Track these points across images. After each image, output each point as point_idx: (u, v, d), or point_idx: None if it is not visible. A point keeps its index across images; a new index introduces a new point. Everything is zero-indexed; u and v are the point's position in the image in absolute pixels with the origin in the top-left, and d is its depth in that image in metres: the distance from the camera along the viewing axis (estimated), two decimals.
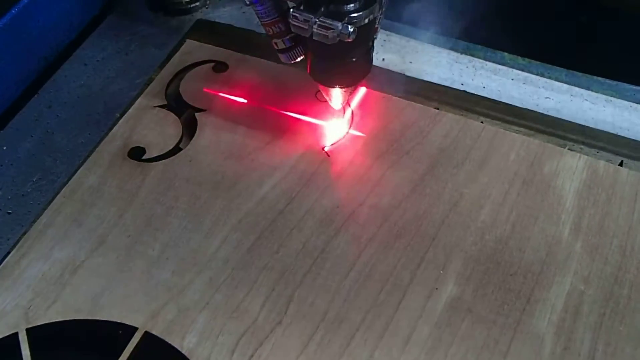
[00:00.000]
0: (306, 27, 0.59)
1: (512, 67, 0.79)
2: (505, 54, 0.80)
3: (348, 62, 0.64)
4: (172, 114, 0.72)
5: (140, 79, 0.77)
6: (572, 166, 0.69)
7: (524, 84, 0.78)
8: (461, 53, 0.80)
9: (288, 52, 0.65)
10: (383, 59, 0.79)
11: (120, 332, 0.58)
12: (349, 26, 0.58)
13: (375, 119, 0.72)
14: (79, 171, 0.68)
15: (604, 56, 0.80)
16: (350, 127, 0.72)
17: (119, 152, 0.69)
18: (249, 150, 0.70)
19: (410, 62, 0.79)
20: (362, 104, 0.74)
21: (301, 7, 0.59)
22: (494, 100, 0.75)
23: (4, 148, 0.72)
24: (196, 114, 0.72)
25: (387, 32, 0.81)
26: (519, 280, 0.62)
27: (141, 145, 0.70)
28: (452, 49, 0.80)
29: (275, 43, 0.65)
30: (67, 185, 0.67)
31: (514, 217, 0.65)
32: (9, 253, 0.63)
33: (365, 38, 0.63)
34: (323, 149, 0.70)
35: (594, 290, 0.61)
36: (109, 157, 0.69)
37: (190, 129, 0.71)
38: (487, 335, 0.59)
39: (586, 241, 0.64)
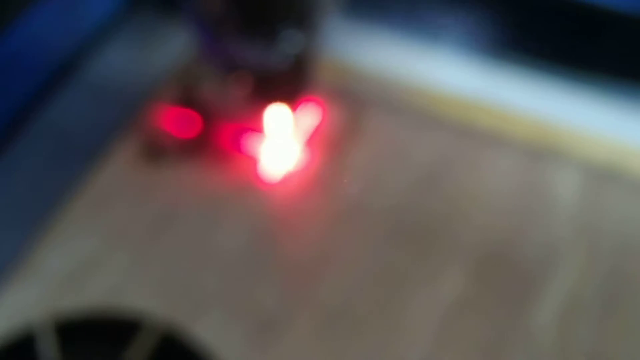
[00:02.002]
0: (240, 56, 0.60)
1: (509, 68, 0.80)
2: (502, 54, 0.81)
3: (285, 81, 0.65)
4: (191, 111, 0.74)
5: (160, 76, 0.79)
6: (571, 166, 0.70)
7: (520, 85, 0.79)
8: (458, 54, 0.81)
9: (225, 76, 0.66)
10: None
11: (139, 321, 0.60)
12: (285, 52, 0.60)
13: (380, 122, 0.74)
14: (99, 166, 0.70)
15: (603, 56, 0.81)
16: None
17: (138, 148, 0.71)
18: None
19: (407, 66, 0.80)
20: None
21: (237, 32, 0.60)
22: (490, 101, 0.76)
23: (24, 142, 0.73)
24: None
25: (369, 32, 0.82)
26: (521, 277, 0.64)
27: (160, 141, 0.72)
28: (450, 50, 0.81)
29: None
30: (87, 179, 0.69)
31: (515, 215, 0.67)
32: (30, 247, 0.64)
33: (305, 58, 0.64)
34: None
35: (594, 287, 0.63)
36: (128, 153, 0.71)
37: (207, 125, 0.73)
38: (490, 331, 0.61)
39: (586, 239, 0.66)
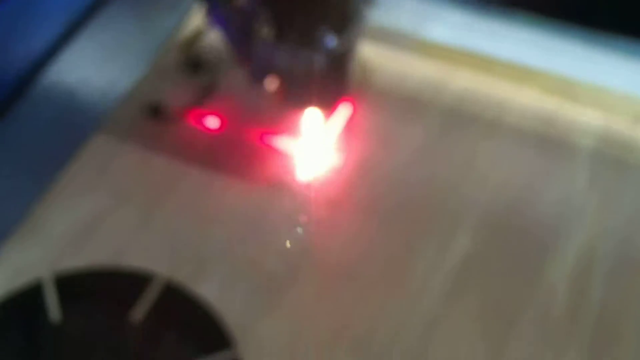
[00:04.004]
0: (271, 56, 0.57)
1: (525, 27, 0.79)
2: (519, 14, 0.80)
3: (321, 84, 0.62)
4: (192, 73, 0.74)
5: (159, 39, 0.78)
6: (587, 124, 0.69)
7: (537, 44, 0.78)
8: (474, 14, 0.80)
9: (256, 77, 0.63)
10: (395, 21, 0.79)
11: (143, 280, 0.59)
12: (319, 55, 0.57)
13: (391, 78, 0.73)
14: (102, 127, 0.70)
15: (619, 14, 0.80)
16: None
17: (140, 110, 0.71)
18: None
19: (423, 24, 0.79)
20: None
21: (268, 32, 0.57)
22: (508, 60, 0.75)
23: (29, 106, 0.74)
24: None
25: None
26: (533, 235, 0.63)
27: (161, 104, 0.71)
28: (465, 10, 0.80)
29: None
30: (90, 140, 0.69)
31: (528, 173, 0.66)
32: (35, 206, 0.64)
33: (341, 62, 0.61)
34: None
35: (606, 245, 0.62)
36: (131, 115, 0.71)
37: (207, 90, 0.73)
38: (500, 289, 0.60)
39: (599, 198, 0.65)
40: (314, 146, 0.68)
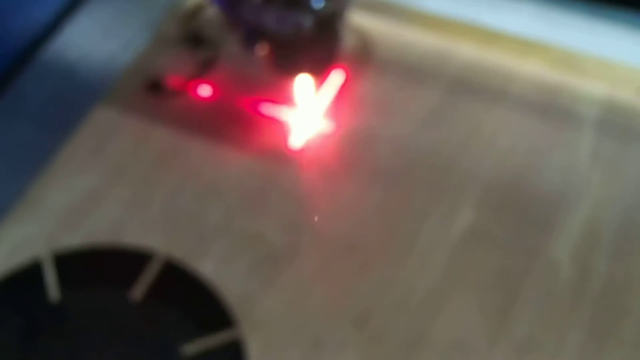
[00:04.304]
0: (259, 19, 0.56)
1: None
2: None
3: (311, 50, 0.61)
4: (191, 49, 0.73)
5: (159, 13, 0.77)
6: (592, 96, 0.69)
7: (542, 17, 0.77)
8: None
9: (247, 43, 0.61)
10: None
11: (142, 258, 0.59)
12: (307, 16, 0.56)
13: (394, 50, 0.72)
14: (99, 104, 0.69)
15: None
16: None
17: (138, 86, 0.70)
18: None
19: None
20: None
21: None
22: (512, 33, 0.74)
23: (29, 81, 0.73)
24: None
25: None
26: (537, 206, 0.62)
27: (161, 78, 0.70)
28: None
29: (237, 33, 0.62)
30: (89, 116, 0.68)
31: (532, 145, 0.66)
32: (32, 184, 0.64)
33: (330, 25, 0.60)
34: None
35: (611, 217, 0.61)
36: (128, 91, 0.70)
37: (208, 64, 0.72)
38: (504, 261, 0.59)
39: (604, 169, 0.64)
40: (308, 114, 0.67)
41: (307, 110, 0.67)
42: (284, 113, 0.67)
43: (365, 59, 0.71)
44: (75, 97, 0.71)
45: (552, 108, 0.68)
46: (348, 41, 0.71)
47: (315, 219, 0.62)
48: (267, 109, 0.68)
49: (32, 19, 0.74)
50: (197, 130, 0.67)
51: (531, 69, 0.70)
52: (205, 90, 0.69)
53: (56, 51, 0.75)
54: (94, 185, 0.63)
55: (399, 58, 0.72)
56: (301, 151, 0.66)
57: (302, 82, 0.66)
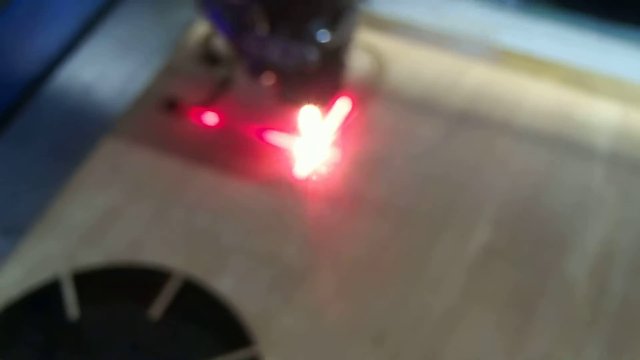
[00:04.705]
0: (264, 51, 0.56)
1: (542, 18, 0.78)
2: (536, 5, 0.79)
3: (317, 81, 0.61)
4: (208, 69, 0.73)
5: (177, 34, 0.78)
6: (605, 115, 0.69)
7: (554, 35, 0.77)
8: (490, 6, 0.79)
9: (253, 73, 0.62)
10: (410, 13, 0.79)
11: (161, 276, 0.59)
12: (312, 50, 0.56)
13: (405, 71, 0.73)
14: (117, 122, 0.70)
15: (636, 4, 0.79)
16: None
17: (155, 105, 0.71)
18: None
19: (439, 16, 0.79)
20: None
21: (261, 26, 0.57)
22: (525, 51, 0.74)
23: (46, 102, 0.73)
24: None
25: None
26: (552, 225, 0.62)
27: (177, 98, 0.71)
28: (481, 2, 0.80)
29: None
30: (107, 135, 0.69)
31: (546, 165, 0.66)
32: (52, 202, 0.64)
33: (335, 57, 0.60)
34: None
35: (626, 236, 0.61)
36: (145, 110, 0.71)
37: (224, 84, 0.72)
38: (520, 279, 0.60)
39: (619, 187, 0.64)
40: (314, 143, 0.68)
41: (313, 140, 0.67)
42: (290, 142, 0.68)
43: (378, 81, 0.72)
44: (92, 118, 0.72)
45: (565, 127, 0.68)
46: (361, 64, 0.72)
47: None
48: (273, 137, 0.68)
49: (50, 41, 0.75)
50: (213, 148, 0.68)
51: (544, 88, 0.71)
52: (211, 118, 0.70)
53: (73, 70, 0.75)
54: (113, 204, 0.64)
55: (410, 80, 0.72)
56: (307, 180, 0.66)
57: (308, 112, 0.66)
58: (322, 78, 0.61)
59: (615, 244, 0.61)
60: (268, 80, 0.62)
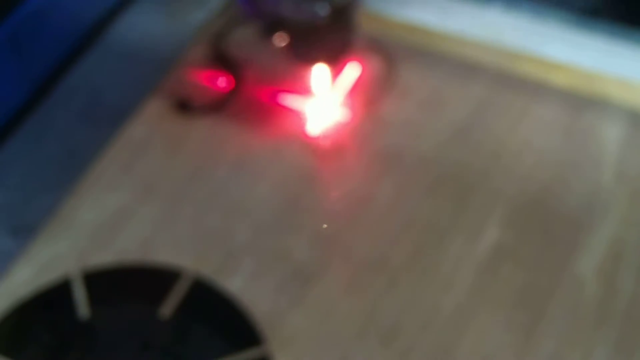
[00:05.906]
0: (277, 9, 0.60)
1: (551, 21, 0.78)
2: (545, 7, 0.79)
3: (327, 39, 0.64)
4: (220, 70, 0.74)
5: (189, 35, 0.78)
6: (614, 116, 0.69)
7: (563, 37, 0.77)
8: (499, 8, 0.80)
9: (266, 34, 0.65)
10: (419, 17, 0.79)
11: (171, 276, 0.60)
12: (323, 6, 0.59)
13: (416, 73, 0.73)
14: (128, 123, 0.70)
15: None
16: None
17: (168, 106, 0.71)
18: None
19: (445, 20, 0.79)
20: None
21: None
22: (533, 53, 0.75)
23: (58, 102, 0.74)
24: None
25: None
26: (562, 224, 0.63)
27: (189, 100, 0.71)
28: (489, 4, 0.80)
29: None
30: (118, 136, 0.69)
31: (556, 164, 0.66)
32: (63, 202, 0.65)
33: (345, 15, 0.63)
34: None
35: (635, 236, 0.61)
36: (158, 111, 0.71)
37: (236, 84, 0.73)
38: (529, 278, 0.60)
39: (628, 187, 0.64)
40: (329, 105, 0.69)
41: (325, 100, 0.69)
42: (301, 103, 0.69)
43: (389, 81, 0.72)
44: (103, 118, 0.72)
45: (577, 126, 0.68)
46: (374, 64, 0.72)
47: (324, 226, 0.62)
48: (286, 100, 0.70)
49: (62, 42, 0.75)
50: (224, 149, 0.68)
51: (556, 87, 0.71)
52: (220, 81, 0.71)
53: (85, 70, 0.76)
54: (124, 203, 0.64)
55: (421, 81, 0.72)
56: (332, 169, 0.66)
57: (318, 72, 0.68)
58: (332, 36, 0.64)
59: (624, 245, 0.61)
60: (280, 41, 0.64)
